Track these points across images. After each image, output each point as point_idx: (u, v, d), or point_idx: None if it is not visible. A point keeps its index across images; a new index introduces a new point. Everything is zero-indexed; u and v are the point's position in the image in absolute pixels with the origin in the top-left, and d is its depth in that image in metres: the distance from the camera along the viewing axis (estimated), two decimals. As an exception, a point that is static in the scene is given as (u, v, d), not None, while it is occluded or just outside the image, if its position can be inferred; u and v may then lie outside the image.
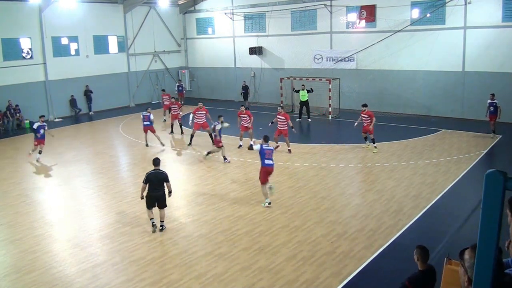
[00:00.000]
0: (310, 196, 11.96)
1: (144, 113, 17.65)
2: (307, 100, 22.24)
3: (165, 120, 23.05)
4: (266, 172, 11.24)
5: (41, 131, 16.40)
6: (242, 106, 18.21)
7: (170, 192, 10.05)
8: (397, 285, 5.43)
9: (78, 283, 7.99)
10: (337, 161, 15.20)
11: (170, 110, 20.93)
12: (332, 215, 10.66)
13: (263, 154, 11.24)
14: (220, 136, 15.50)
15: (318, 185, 12.78)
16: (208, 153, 15.86)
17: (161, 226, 10.01)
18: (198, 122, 17.89)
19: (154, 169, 10.00)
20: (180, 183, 13.93)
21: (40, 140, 16.34)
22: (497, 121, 17.30)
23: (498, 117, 17.23)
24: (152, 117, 17.56)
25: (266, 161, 11.25)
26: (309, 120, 22.42)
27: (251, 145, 12.31)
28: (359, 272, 8.05)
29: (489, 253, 2.33)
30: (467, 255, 2.82)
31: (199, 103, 18.22)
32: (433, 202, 11.26)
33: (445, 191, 12.00)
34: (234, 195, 12.23)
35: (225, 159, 15.38)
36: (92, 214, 11.41)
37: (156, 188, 9.85)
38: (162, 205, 9.96)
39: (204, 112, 17.95)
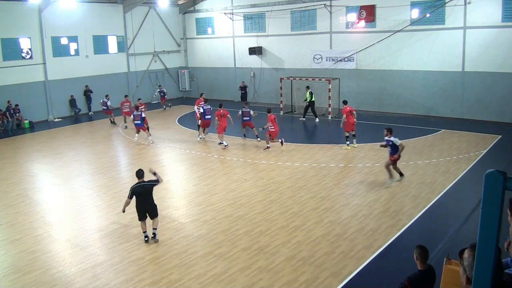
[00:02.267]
0: (309, 196, 11.96)
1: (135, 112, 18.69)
2: (313, 101, 22.26)
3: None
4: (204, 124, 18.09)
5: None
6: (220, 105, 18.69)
7: (158, 178, 9.58)
8: (397, 285, 5.43)
9: (78, 283, 7.99)
10: (337, 161, 15.20)
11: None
12: (332, 215, 10.66)
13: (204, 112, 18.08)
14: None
15: (317, 185, 12.78)
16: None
17: (153, 234, 9.49)
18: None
19: (138, 182, 9.40)
20: (180, 183, 13.95)
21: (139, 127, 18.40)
22: (488, 121, 17.07)
23: (398, 156, 12.31)
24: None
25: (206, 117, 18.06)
26: (303, 119, 22.75)
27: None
28: (358, 272, 8.05)
29: (489, 252, 2.33)
30: (465, 254, 2.83)
31: (202, 94, 20.15)
32: (432, 202, 11.26)
33: (444, 191, 12.00)
34: (233, 195, 12.23)
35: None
36: (92, 214, 11.41)
37: (145, 200, 9.40)
38: (154, 215, 9.54)
39: (203, 102, 19.03)
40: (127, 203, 9.46)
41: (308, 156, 15.93)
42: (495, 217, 2.28)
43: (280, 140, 16.91)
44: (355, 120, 16.50)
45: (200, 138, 18.81)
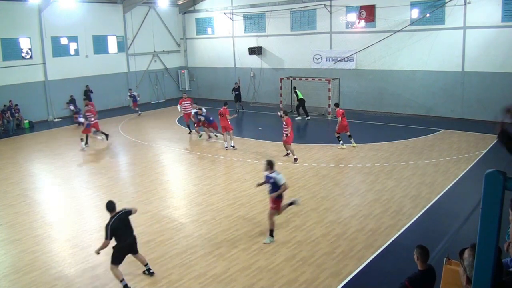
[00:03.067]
0: (309, 196, 11.96)
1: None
2: (302, 99, 22.55)
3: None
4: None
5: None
6: (225, 104, 17.66)
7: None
8: (397, 285, 5.43)
9: (78, 283, 7.99)
10: (336, 161, 15.20)
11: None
12: (332, 215, 10.66)
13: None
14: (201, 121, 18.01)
15: (317, 185, 12.77)
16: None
17: (149, 269, 8.25)
18: (185, 112, 19.71)
19: (113, 216, 7.73)
20: (180, 183, 13.95)
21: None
22: (486, 121, 17.15)
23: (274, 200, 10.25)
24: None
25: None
26: (301, 118, 22.89)
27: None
28: (358, 272, 8.05)
29: (489, 253, 2.33)
30: (466, 254, 2.82)
31: (184, 94, 20.50)
32: (432, 202, 11.26)
33: (444, 191, 12.01)
34: (233, 195, 12.23)
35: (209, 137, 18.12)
36: (92, 214, 11.41)
37: (126, 235, 7.86)
38: (136, 250, 8.11)
39: (189, 102, 19.55)
40: (105, 245, 7.62)
41: (308, 156, 15.92)
42: (495, 217, 2.28)
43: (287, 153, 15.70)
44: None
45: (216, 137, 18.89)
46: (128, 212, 7.99)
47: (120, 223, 7.72)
